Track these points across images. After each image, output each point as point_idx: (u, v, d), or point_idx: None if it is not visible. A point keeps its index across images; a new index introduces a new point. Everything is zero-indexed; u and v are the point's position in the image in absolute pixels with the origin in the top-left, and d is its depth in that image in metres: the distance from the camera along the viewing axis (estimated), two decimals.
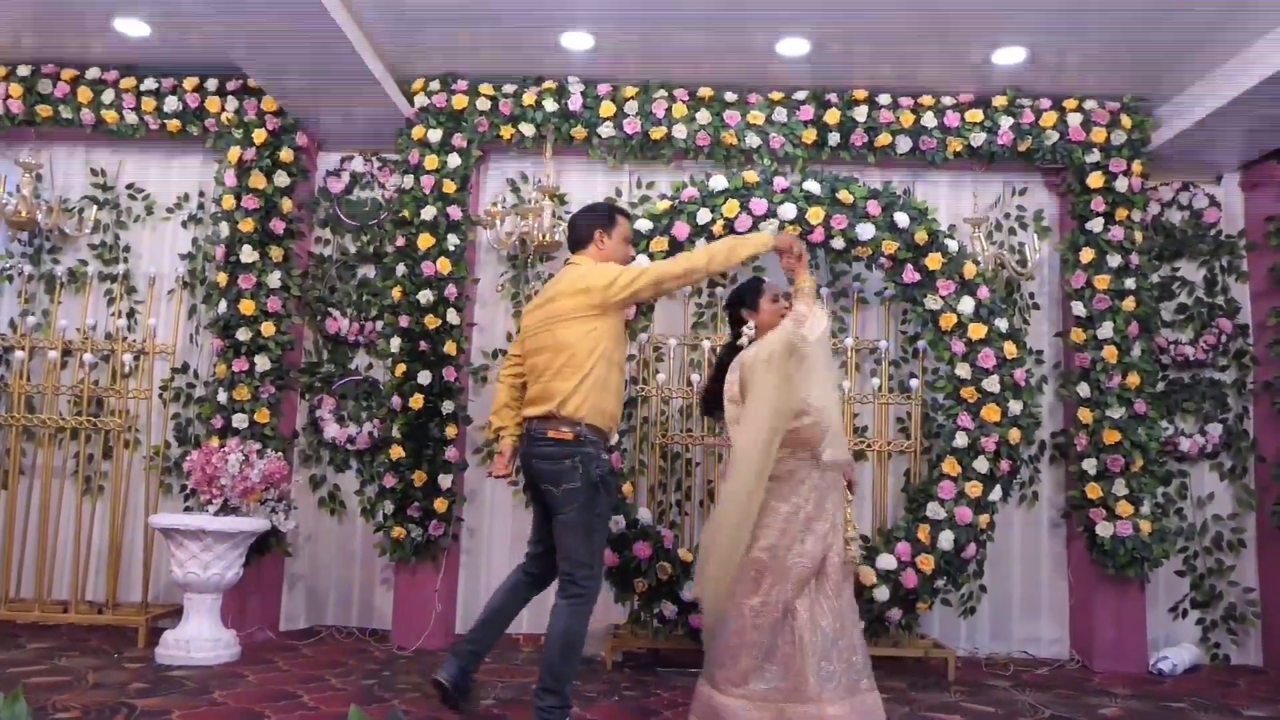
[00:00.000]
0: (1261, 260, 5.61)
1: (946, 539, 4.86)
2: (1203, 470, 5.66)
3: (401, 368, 5.27)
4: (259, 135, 5.44)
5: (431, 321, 5.27)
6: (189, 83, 5.56)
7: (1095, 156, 5.46)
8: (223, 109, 5.55)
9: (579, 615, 3.50)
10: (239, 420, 5.20)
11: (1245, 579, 5.55)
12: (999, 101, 5.51)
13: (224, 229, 5.43)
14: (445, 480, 5.21)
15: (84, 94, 5.54)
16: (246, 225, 5.36)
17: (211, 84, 5.58)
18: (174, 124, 5.57)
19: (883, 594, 4.79)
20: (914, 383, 5.38)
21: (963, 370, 5.04)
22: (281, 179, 5.46)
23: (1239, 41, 4.76)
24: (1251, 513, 5.57)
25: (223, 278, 5.38)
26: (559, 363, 3.55)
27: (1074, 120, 5.47)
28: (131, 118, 5.57)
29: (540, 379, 3.62)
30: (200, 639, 4.64)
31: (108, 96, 5.55)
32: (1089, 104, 5.51)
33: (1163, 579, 5.53)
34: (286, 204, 5.46)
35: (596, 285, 3.58)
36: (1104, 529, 5.17)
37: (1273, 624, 5.43)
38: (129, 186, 5.83)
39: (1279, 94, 4.73)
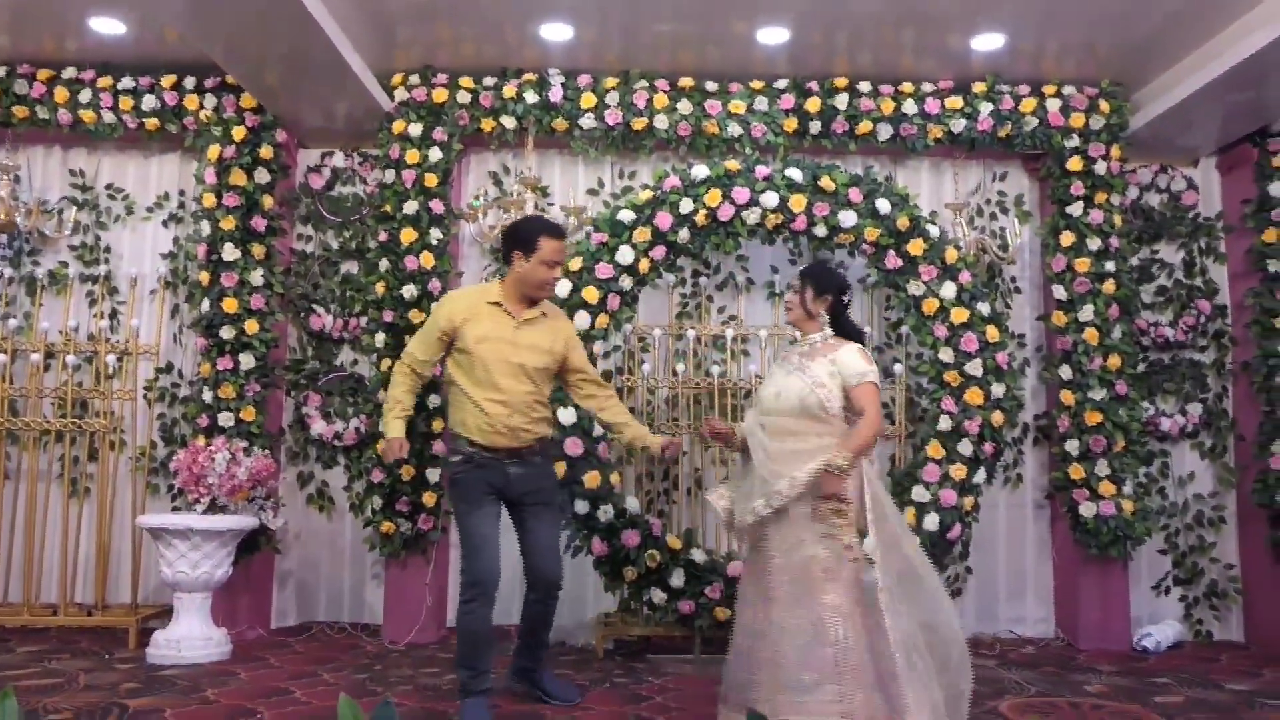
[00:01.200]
0: (1238, 242, 5.67)
1: (932, 521, 4.90)
2: (1183, 449, 5.73)
3: (386, 363, 5.26)
4: (238, 132, 5.42)
5: (416, 316, 5.27)
6: (166, 81, 5.53)
7: (1074, 141, 5.51)
8: (201, 107, 5.52)
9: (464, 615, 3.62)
10: (225, 419, 5.19)
11: (1226, 556, 5.63)
12: (978, 88, 5.55)
13: (205, 227, 5.41)
14: (433, 474, 5.21)
15: (60, 94, 5.50)
16: (228, 223, 5.34)
17: (189, 82, 5.54)
18: (152, 123, 5.54)
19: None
20: (898, 368, 5.42)
21: (946, 355, 5.08)
22: (262, 176, 5.44)
23: (1215, 26, 4.81)
24: (1232, 490, 5.65)
25: (205, 276, 5.36)
26: None
27: (1053, 106, 5.52)
28: (109, 117, 5.53)
29: None
30: (191, 638, 4.63)
31: (84, 96, 5.51)
32: (1067, 89, 5.55)
33: (1145, 557, 5.60)
34: (268, 201, 5.44)
35: None
36: (1087, 509, 5.23)
37: (1254, 599, 5.51)
38: (108, 187, 5.80)
39: (1254, 77, 4.78)
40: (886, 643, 3.13)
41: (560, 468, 4.86)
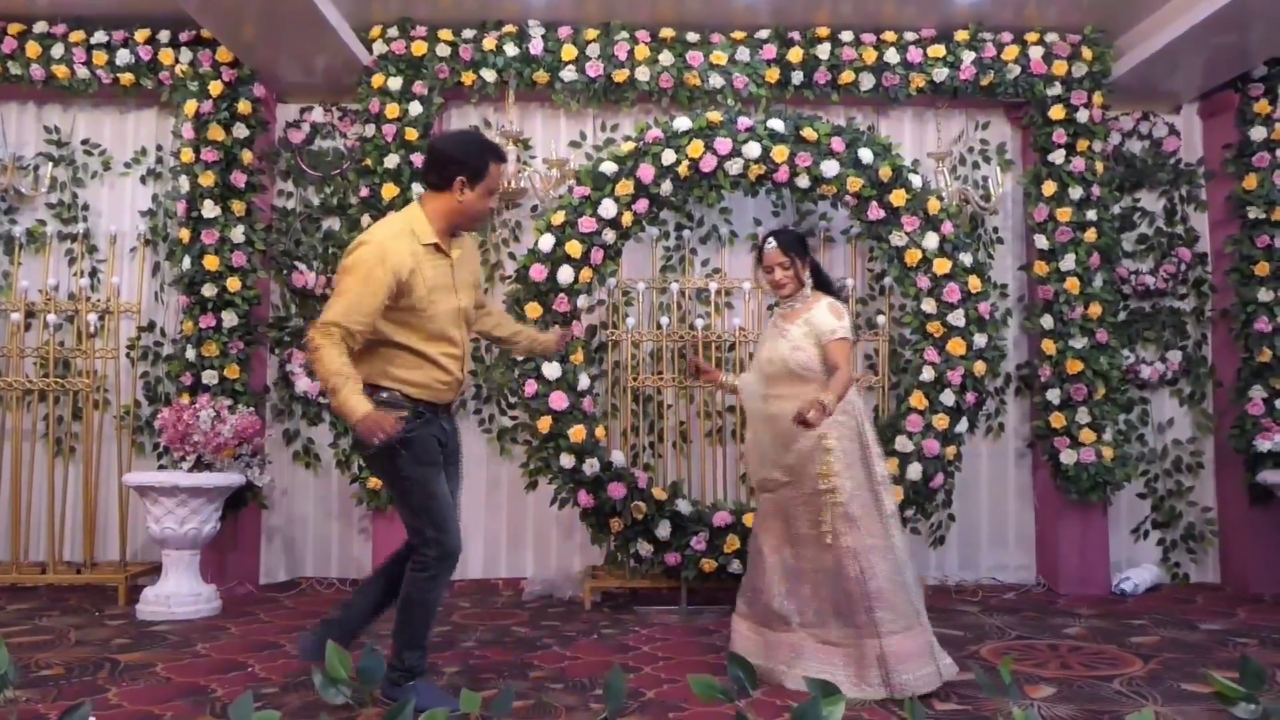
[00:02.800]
0: (1219, 189, 5.69)
1: (915, 470, 4.96)
2: (1163, 396, 5.79)
3: None
4: (215, 87, 5.35)
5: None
6: (140, 35, 5.45)
7: (1056, 89, 5.50)
8: (177, 61, 5.44)
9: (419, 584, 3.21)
10: (209, 377, 5.19)
11: (1204, 499, 5.72)
12: (960, 36, 5.52)
13: (184, 184, 5.36)
14: None
15: (32, 49, 5.42)
16: (206, 179, 5.29)
17: (164, 36, 5.47)
18: (127, 78, 5.47)
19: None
20: (881, 319, 5.44)
21: (928, 305, 5.10)
22: (240, 131, 5.38)
23: None
24: (1210, 436, 5.72)
25: (185, 234, 5.32)
26: None
27: (1035, 53, 5.50)
28: (83, 72, 5.46)
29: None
30: (181, 594, 4.67)
31: (57, 51, 5.43)
32: (1050, 37, 5.53)
33: (1125, 503, 5.68)
34: (247, 156, 5.39)
35: None
36: (1068, 456, 5.30)
37: (1229, 542, 5.61)
38: (84, 142, 5.73)
39: (1237, 21, 4.77)
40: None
41: (545, 422, 4.89)
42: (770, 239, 3.66)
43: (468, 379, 3.44)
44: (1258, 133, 5.46)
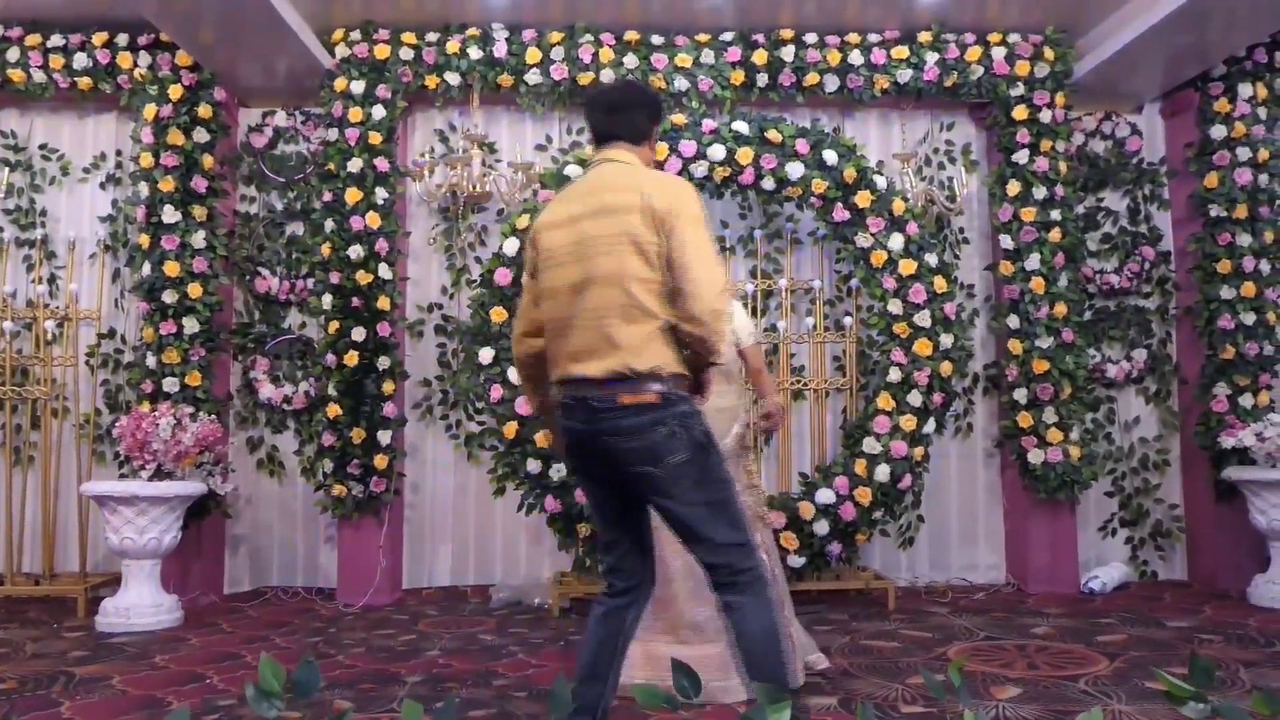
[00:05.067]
0: (1182, 188, 5.73)
1: (883, 472, 4.95)
2: (1129, 394, 5.82)
3: (335, 325, 5.20)
4: (175, 91, 5.28)
5: (363, 277, 5.21)
6: (98, 38, 5.38)
7: (1019, 89, 5.52)
8: (135, 65, 5.37)
9: (763, 604, 2.40)
10: (169, 384, 5.11)
11: (1170, 496, 5.75)
12: (924, 38, 5.53)
13: (144, 189, 5.29)
14: (384, 436, 5.18)
15: None
16: (166, 184, 5.22)
17: (122, 39, 5.39)
18: (85, 82, 5.39)
19: (822, 528, 4.88)
20: (848, 321, 5.44)
21: (894, 306, 5.10)
22: (201, 135, 5.32)
23: None
24: (1175, 433, 5.76)
25: (145, 239, 5.24)
26: (618, 299, 2.41)
27: (998, 54, 5.52)
28: (39, 76, 5.38)
29: (585, 325, 2.44)
30: (141, 605, 4.59)
31: (13, 54, 5.35)
32: (1012, 37, 5.55)
33: (1093, 501, 5.71)
34: (208, 161, 5.32)
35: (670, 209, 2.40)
36: (1035, 456, 5.31)
37: (1196, 538, 5.64)
38: (42, 147, 5.65)
39: (1195, 20, 4.80)
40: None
41: (511, 428, 4.86)
42: None
43: None
44: (1218, 131, 5.50)
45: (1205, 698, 1.43)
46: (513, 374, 4.83)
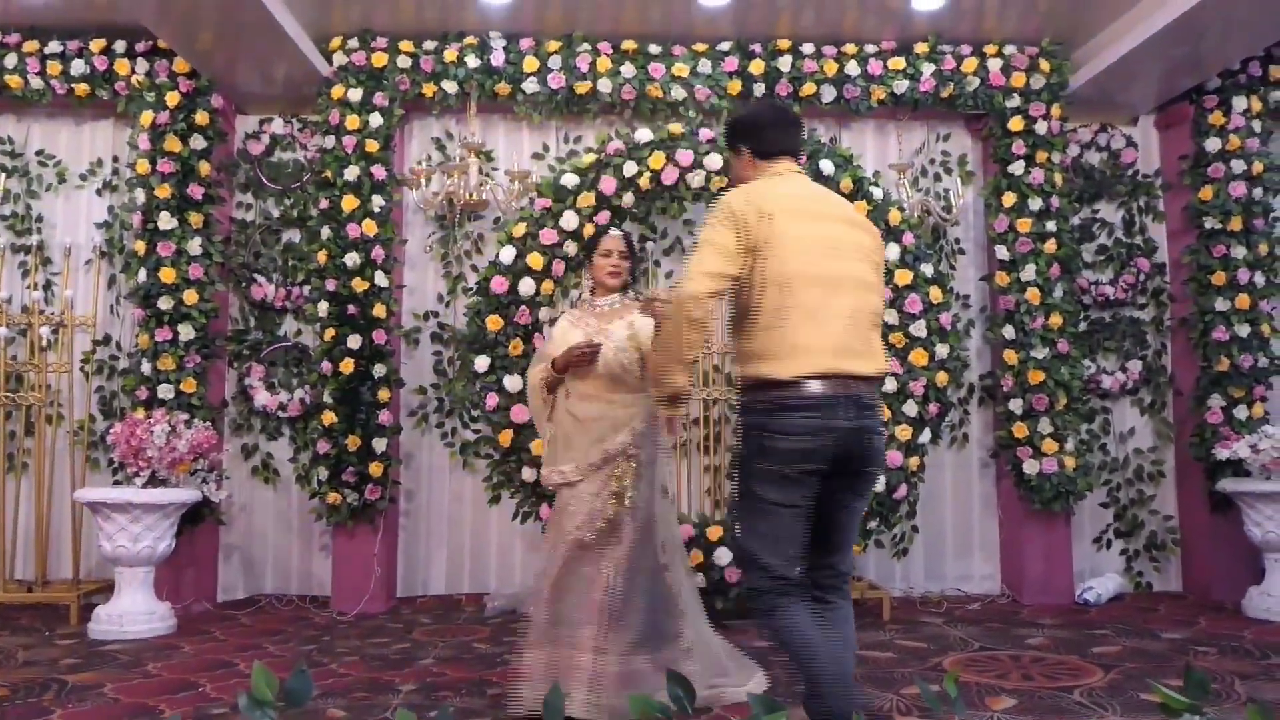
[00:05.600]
0: (1176, 200, 5.75)
1: (879, 482, 4.95)
2: (1124, 406, 5.83)
3: (331, 332, 5.20)
4: (172, 98, 5.28)
5: (360, 285, 5.21)
6: (96, 45, 5.38)
7: (1015, 101, 5.54)
8: (133, 71, 5.38)
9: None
10: (164, 391, 5.11)
11: (1165, 508, 5.75)
12: (920, 49, 5.55)
13: (140, 195, 5.29)
14: (380, 444, 5.17)
15: None
16: (163, 191, 5.22)
17: (120, 46, 5.39)
18: (82, 88, 5.39)
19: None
20: None
21: (890, 316, 5.10)
22: (198, 142, 5.32)
23: None
24: (1170, 445, 5.77)
25: (141, 246, 5.24)
26: (875, 306, 2.66)
27: (994, 65, 5.54)
28: (37, 82, 5.38)
29: (850, 323, 2.55)
30: (134, 613, 4.58)
31: (10, 60, 5.35)
32: (1008, 49, 5.57)
33: (1088, 512, 5.71)
34: (204, 168, 5.32)
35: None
36: (1030, 466, 5.32)
37: (1191, 550, 5.64)
38: (39, 153, 5.65)
39: (1191, 32, 4.82)
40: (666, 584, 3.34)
41: (507, 435, 4.86)
42: (615, 228, 3.61)
43: None
44: (1213, 144, 5.52)
45: (1201, 710, 1.43)
46: (509, 382, 4.83)
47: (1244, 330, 5.37)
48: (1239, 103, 5.51)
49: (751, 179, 2.74)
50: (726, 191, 2.66)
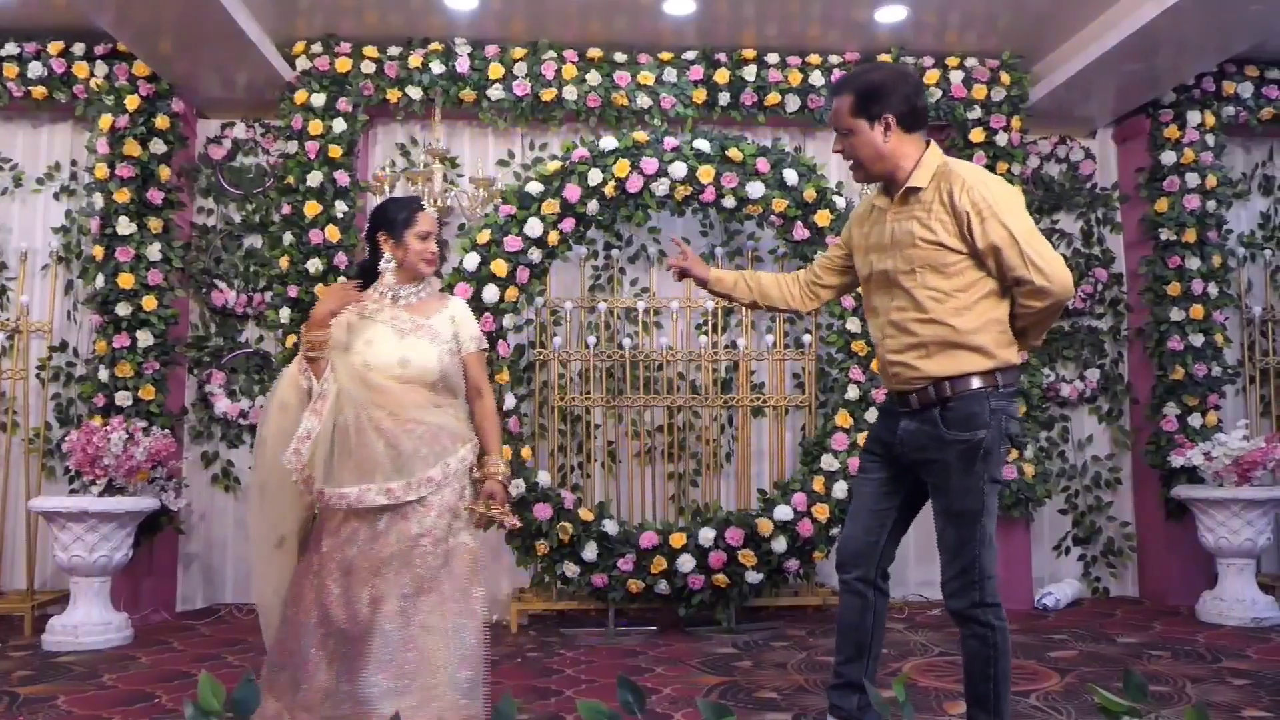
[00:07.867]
0: (1133, 211, 5.85)
1: (840, 489, 4.98)
2: (1082, 414, 5.91)
3: (292, 339, 5.16)
4: (132, 101, 5.23)
5: (321, 291, 5.17)
6: (54, 47, 5.31)
7: (976, 113, 5.61)
8: (92, 75, 5.31)
9: None
10: (122, 398, 5.04)
11: (1122, 515, 5.84)
12: (883, 60, 5.60)
13: (99, 200, 5.23)
14: None
15: None
16: (122, 196, 5.16)
17: (79, 48, 5.33)
18: (39, 91, 5.32)
19: (780, 544, 4.89)
20: (807, 338, 5.48)
21: (853, 324, 5.15)
22: (158, 146, 5.26)
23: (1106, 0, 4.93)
24: (1127, 452, 5.86)
25: (99, 251, 5.18)
26: None
27: (956, 77, 5.61)
28: None
29: None
30: (89, 623, 4.51)
31: None
32: (970, 62, 5.64)
33: (1047, 519, 5.78)
34: (164, 172, 5.27)
35: None
36: None
37: (1147, 556, 5.73)
38: None
39: (1146, 48, 4.91)
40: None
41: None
42: (429, 206, 3.21)
43: (904, 365, 2.65)
44: (1168, 157, 5.62)
45: (1140, 713, 1.46)
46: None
47: (1198, 340, 5.47)
48: (1193, 117, 5.62)
49: (898, 153, 2.58)
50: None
